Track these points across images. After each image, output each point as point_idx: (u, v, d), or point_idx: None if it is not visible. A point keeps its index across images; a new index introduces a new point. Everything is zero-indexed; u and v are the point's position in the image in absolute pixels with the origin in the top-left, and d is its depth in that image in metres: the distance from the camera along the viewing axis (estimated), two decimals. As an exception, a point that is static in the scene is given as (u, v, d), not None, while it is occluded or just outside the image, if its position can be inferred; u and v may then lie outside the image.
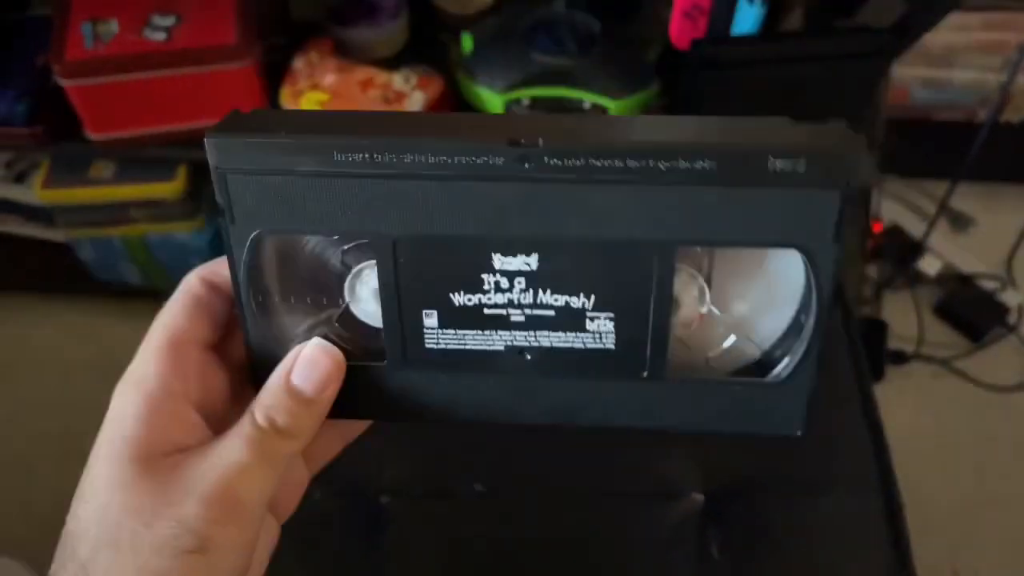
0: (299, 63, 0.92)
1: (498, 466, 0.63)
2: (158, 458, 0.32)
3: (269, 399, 0.33)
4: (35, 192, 1.01)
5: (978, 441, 1.13)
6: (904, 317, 1.21)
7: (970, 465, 1.11)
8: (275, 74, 0.92)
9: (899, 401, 1.16)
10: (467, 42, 0.95)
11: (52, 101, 0.90)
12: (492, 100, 0.93)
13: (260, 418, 0.32)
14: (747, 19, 0.90)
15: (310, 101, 0.90)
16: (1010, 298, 1.22)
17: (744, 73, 0.86)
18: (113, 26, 0.86)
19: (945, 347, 1.19)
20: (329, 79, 0.91)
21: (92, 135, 0.91)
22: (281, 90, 0.91)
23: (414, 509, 0.63)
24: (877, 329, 1.18)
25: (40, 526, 0.71)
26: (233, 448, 0.32)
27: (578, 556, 0.61)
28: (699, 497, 0.63)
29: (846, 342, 0.71)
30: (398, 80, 0.90)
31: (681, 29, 0.95)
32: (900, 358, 1.17)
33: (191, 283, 0.35)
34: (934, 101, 1.39)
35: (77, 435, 1.13)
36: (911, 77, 1.36)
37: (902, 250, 1.25)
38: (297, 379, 0.33)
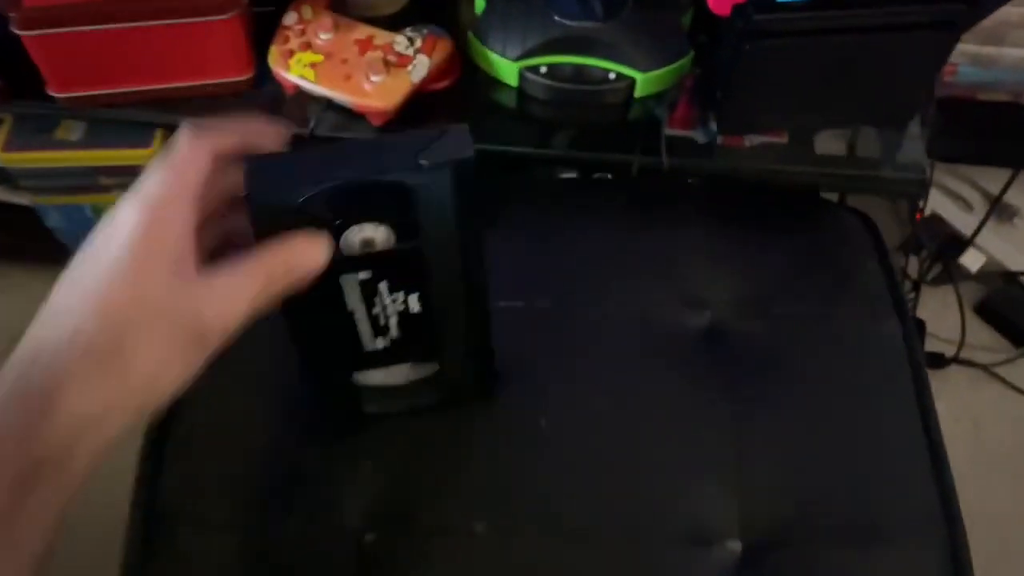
0: (290, 18, 0.82)
1: (503, 499, 0.54)
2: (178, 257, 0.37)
3: (278, 264, 0.41)
4: (-3, 154, 0.91)
5: (1018, 451, 1.04)
6: (943, 316, 1.12)
7: (1009, 478, 1.03)
8: (264, 30, 0.82)
9: (936, 406, 1.07)
10: (479, 3, 0.85)
11: (12, 55, 0.80)
12: (505, 67, 0.83)
13: (264, 271, 0.40)
14: (797, -17, 0.80)
15: (300, 63, 0.79)
16: (1058, 298, 1.13)
17: (793, 44, 0.76)
18: (78, -32, 0.75)
19: (986, 351, 1.11)
20: (323, 38, 0.80)
21: (55, 94, 0.81)
22: (271, 48, 0.81)
23: (403, 548, 0.54)
24: (915, 328, 1.09)
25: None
26: (250, 280, 0.39)
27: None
28: (735, 546, 0.54)
29: (907, 365, 0.62)
30: (401, 42, 0.80)
31: (721, -7, 0.85)
32: (938, 361, 1.09)
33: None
34: (980, 80, 1.28)
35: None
36: (959, 53, 1.25)
37: (942, 243, 1.15)
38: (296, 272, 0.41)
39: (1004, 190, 0.99)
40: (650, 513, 0.54)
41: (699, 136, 0.82)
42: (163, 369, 0.36)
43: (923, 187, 0.83)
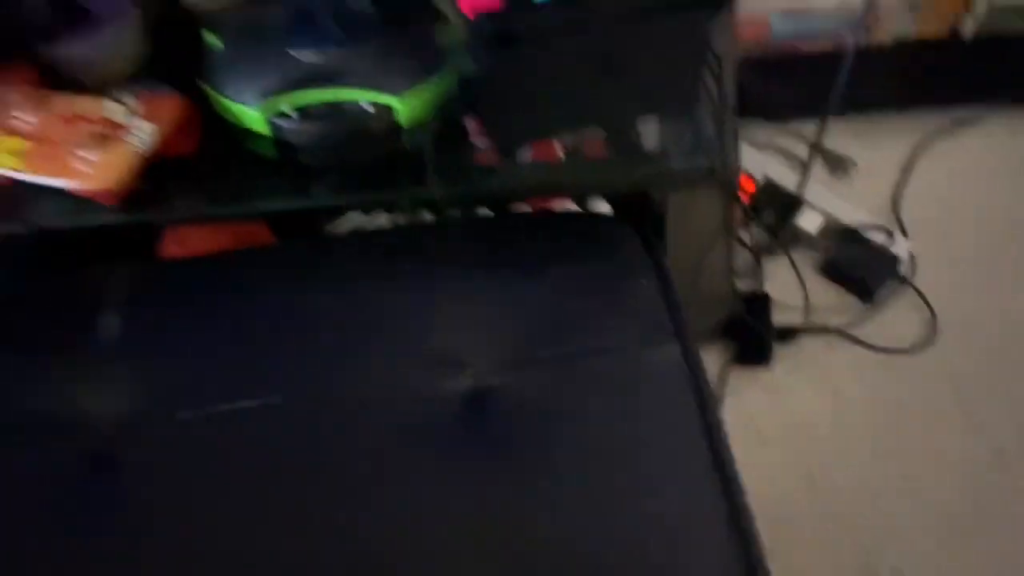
0: (-16, 103, 0.72)
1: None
2: None
3: None
4: None
5: (881, 413, 1.01)
6: (787, 285, 1.08)
7: (875, 442, 0.99)
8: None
9: (792, 382, 1.03)
10: (212, 42, 0.76)
11: None
12: (250, 115, 0.74)
13: None
14: (545, -21, 0.73)
15: (5, 152, 0.70)
16: (899, 247, 1.09)
17: (543, 46, 0.69)
18: None
19: (835, 312, 1.07)
20: (27, 120, 0.71)
21: None
22: (-32, 140, 0.71)
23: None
24: (759, 304, 1.04)
25: None
26: None
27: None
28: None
29: (691, 391, 0.56)
30: (112, 108, 0.71)
31: (472, 0, 0.78)
32: (788, 334, 1.05)
33: None
34: (796, 32, 1.24)
35: None
36: (768, 9, 1.21)
37: (780, 208, 1.11)
38: None
39: (818, 137, 0.94)
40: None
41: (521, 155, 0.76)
42: None
43: (714, 172, 0.77)
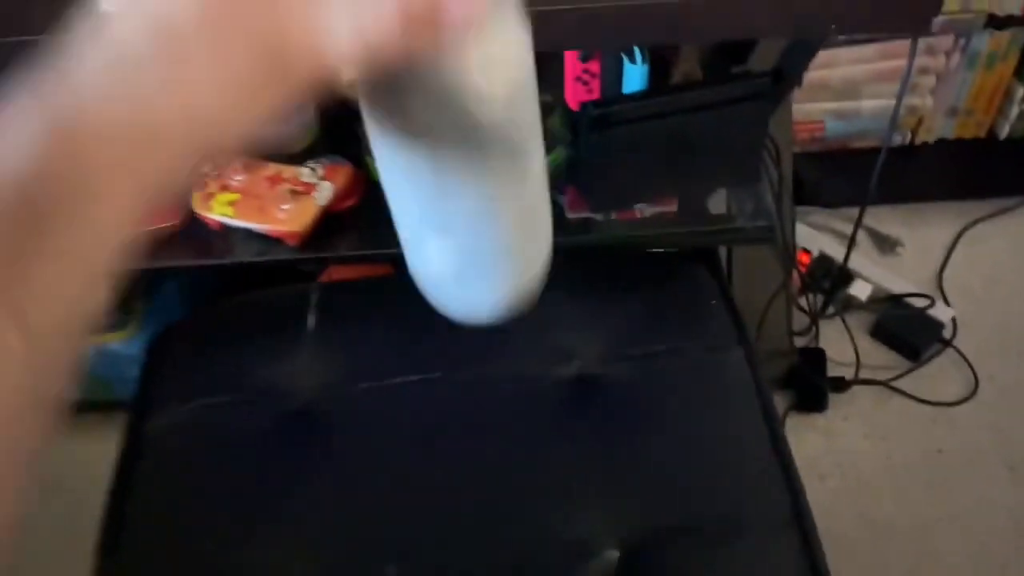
0: (207, 167, 0.94)
1: (407, 544, 0.63)
2: None
3: None
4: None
5: (927, 458, 1.13)
6: (841, 344, 1.23)
7: (921, 483, 1.11)
8: (186, 179, 0.95)
9: (845, 427, 1.17)
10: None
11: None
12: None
13: None
14: (635, 78, 0.94)
15: (220, 203, 0.92)
16: (943, 313, 1.24)
17: (635, 128, 0.89)
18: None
19: (884, 369, 1.21)
20: (237, 180, 0.93)
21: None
22: (192, 194, 0.93)
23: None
24: (815, 358, 1.19)
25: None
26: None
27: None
28: (613, 555, 0.63)
29: (752, 383, 0.72)
30: (305, 173, 0.93)
31: (575, 94, 0.99)
32: (841, 385, 1.19)
33: None
34: (847, 132, 1.43)
35: (26, 552, 1.12)
36: (822, 111, 1.40)
37: (832, 278, 1.27)
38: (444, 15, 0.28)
39: (860, 217, 1.10)
40: (535, 537, 0.64)
41: (597, 217, 0.95)
42: (222, 90, 0.26)
43: (772, 232, 0.95)
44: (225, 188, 0.93)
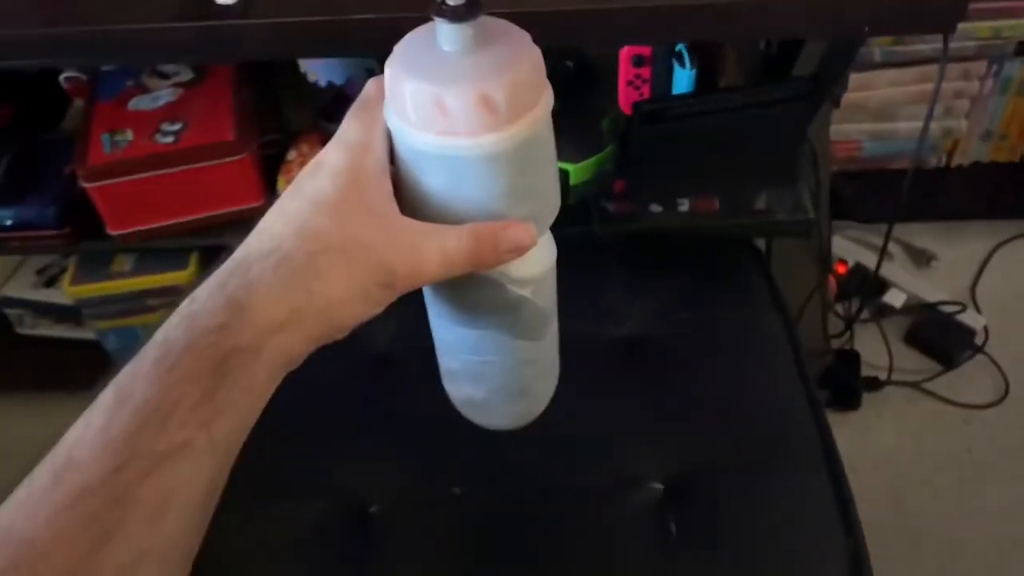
0: (292, 154, 1.04)
1: (471, 468, 0.70)
2: (368, 197, 0.38)
3: (487, 236, 0.39)
4: (64, 291, 1.12)
5: (957, 456, 1.18)
6: (876, 348, 1.28)
7: (953, 480, 1.15)
8: (272, 165, 1.05)
9: (878, 424, 1.22)
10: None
11: (78, 205, 1.02)
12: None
13: (474, 235, 0.39)
14: (684, 81, 1.02)
15: (303, 185, 1.01)
16: (975, 321, 1.29)
17: (682, 124, 0.97)
18: (128, 135, 0.98)
19: (917, 372, 1.26)
20: (318, 165, 1.02)
21: (112, 232, 1.02)
22: (278, 178, 1.03)
23: (402, 515, 0.70)
24: (849, 359, 1.25)
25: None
26: (456, 238, 0.38)
27: (547, 548, 0.68)
28: (658, 486, 0.70)
29: (788, 343, 0.79)
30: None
31: (627, 97, 1.08)
32: (874, 384, 1.24)
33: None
34: (884, 152, 1.49)
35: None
36: (860, 132, 1.47)
37: (867, 287, 1.33)
38: (503, 246, 0.39)
39: (889, 229, 1.16)
40: (588, 469, 0.70)
41: (654, 207, 1.03)
42: (346, 298, 0.37)
43: (810, 225, 1.02)
44: (307, 173, 1.02)
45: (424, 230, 0.39)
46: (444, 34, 0.37)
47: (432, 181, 0.39)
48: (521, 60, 0.37)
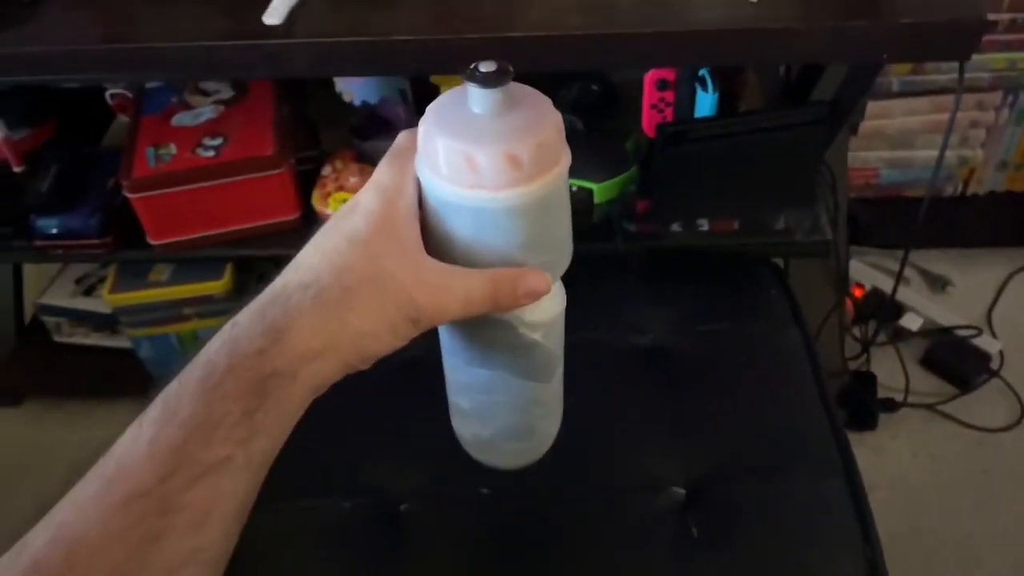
0: (327, 170, 1.08)
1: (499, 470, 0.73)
2: (400, 236, 0.41)
3: (506, 281, 0.42)
4: (103, 299, 1.16)
5: (973, 477, 1.19)
6: (892, 370, 1.30)
7: (967, 499, 1.17)
8: (307, 181, 1.09)
9: (894, 446, 1.23)
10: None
11: (120, 216, 1.07)
12: (493, 190, 1.08)
13: (494, 280, 0.42)
14: (706, 105, 1.06)
15: (336, 201, 1.05)
16: (991, 346, 1.30)
17: (704, 146, 1.00)
18: (172, 149, 1.03)
19: (933, 395, 1.28)
20: (352, 181, 1.06)
21: (153, 241, 1.06)
22: (313, 193, 1.07)
23: (430, 513, 0.72)
24: (866, 380, 1.27)
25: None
26: (479, 280, 0.42)
27: (571, 548, 0.70)
28: (679, 491, 0.72)
29: (806, 354, 0.81)
30: (410, 177, 1.06)
31: (651, 120, 1.11)
32: (891, 406, 1.25)
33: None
34: (901, 180, 1.52)
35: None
36: (878, 159, 1.50)
37: (884, 310, 1.35)
38: (520, 291, 0.43)
39: (905, 255, 1.18)
40: (612, 472, 0.73)
41: (676, 226, 1.06)
42: (376, 330, 0.40)
43: (828, 246, 1.04)
44: (341, 188, 1.06)
45: (449, 271, 0.42)
46: (475, 97, 0.40)
47: (458, 228, 0.42)
48: (545, 123, 0.41)
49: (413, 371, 0.82)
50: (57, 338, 1.35)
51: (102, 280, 1.21)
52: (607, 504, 0.71)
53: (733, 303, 0.87)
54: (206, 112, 1.07)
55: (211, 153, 1.02)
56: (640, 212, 1.08)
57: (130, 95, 1.13)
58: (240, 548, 0.73)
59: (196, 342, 1.20)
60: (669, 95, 1.09)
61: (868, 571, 0.69)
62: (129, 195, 1.01)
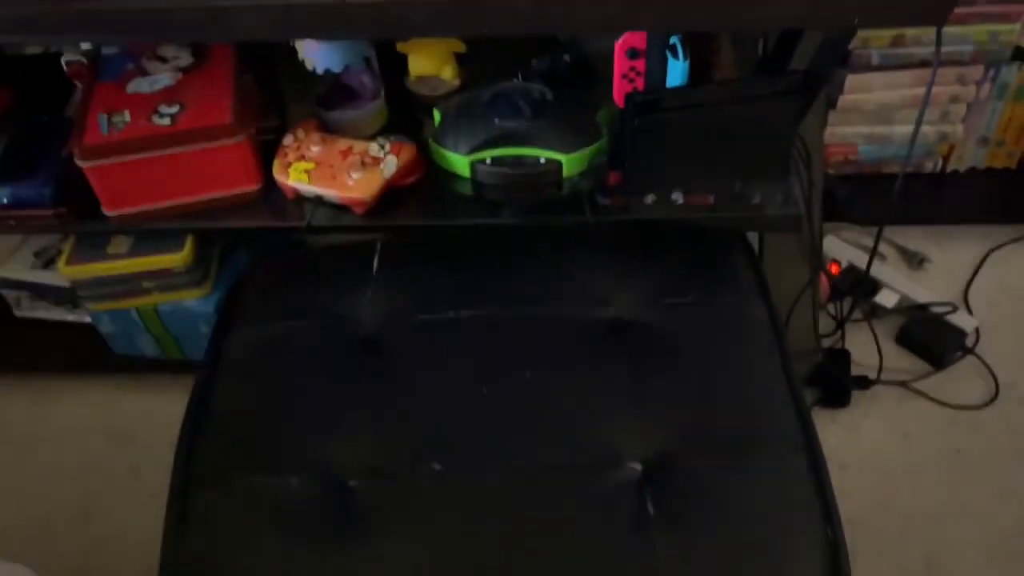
0: (288, 139, 1.05)
1: (452, 445, 0.71)
2: None
3: None
4: (59, 271, 1.13)
5: (946, 456, 1.18)
6: (866, 347, 1.28)
7: (939, 478, 1.16)
8: (270, 151, 1.06)
9: (867, 423, 1.22)
10: (436, 116, 1.09)
11: (75, 186, 1.03)
12: (458, 161, 1.05)
13: None
14: (677, 73, 1.03)
15: (297, 171, 1.02)
16: (966, 323, 1.29)
17: (675, 116, 0.98)
18: (126, 116, 0.99)
19: (907, 373, 1.26)
20: (314, 151, 1.03)
21: (108, 212, 1.03)
22: (274, 163, 1.04)
23: (380, 490, 0.70)
24: (840, 358, 1.25)
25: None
26: None
27: (525, 524, 0.68)
28: (636, 467, 0.70)
29: (772, 331, 0.79)
30: (374, 147, 1.03)
31: (622, 90, 1.09)
32: (864, 383, 1.24)
33: None
34: (880, 156, 1.50)
35: (93, 499, 1.22)
36: (855, 134, 1.48)
37: (860, 287, 1.33)
38: None
39: (879, 232, 1.15)
40: (567, 447, 0.71)
41: (648, 199, 1.03)
42: None
43: (800, 221, 1.02)
44: (302, 158, 1.03)
45: None
46: None
47: None
48: None
49: (368, 349, 0.80)
50: (17, 313, 1.32)
51: (62, 253, 1.17)
52: (561, 480, 0.70)
53: (700, 277, 0.85)
54: (163, 79, 1.04)
55: (167, 121, 0.99)
56: (611, 185, 1.06)
57: (86, 62, 1.09)
58: (189, 524, 0.71)
59: (157, 317, 1.18)
60: (640, 64, 1.06)
61: (828, 551, 0.68)
62: (80, 163, 0.98)
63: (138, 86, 1.03)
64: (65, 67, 1.12)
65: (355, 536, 0.68)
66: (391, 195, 1.04)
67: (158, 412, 1.29)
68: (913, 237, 1.45)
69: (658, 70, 1.05)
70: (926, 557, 1.09)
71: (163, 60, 1.07)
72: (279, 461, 0.73)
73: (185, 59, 1.07)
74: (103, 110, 1.00)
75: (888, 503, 1.14)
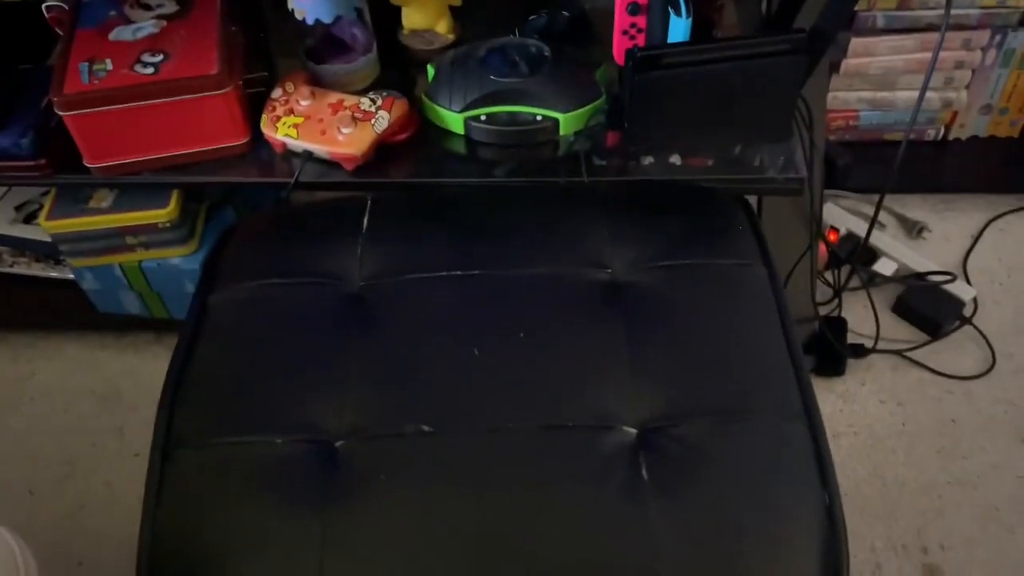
0: (277, 92, 1.02)
1: (442, 406, 0.69)
2: None
3: None
4: (40, 225, 1.10)
5: (941, 426, 1.17)
6: (863, 316, 1.27)
7: (933, 448, 1.15)
8: (258, 104, 1.02)
9: (862, 392, 1.21)
10: (430, 71, 1.05)
11: (56, 137, 1.00)
12: (452, 118, 1.02)
13: None
14: (679, 30, 1.00)
15: (285, 125, 0.99)
16: (964, 292, 1.27)
17: (676, 74, 0.95)
18: (108, 64, 0.96)
19: (904, 342, 1.25)
20: (303, 104, 1.00)
21: (90, 164, 1.00)
22: (262, 116, 1.01)
23: (366, 451, 0.69)
24: (837, 326, 1.23)
25: (41, 546, 0.78)
26: None
27: (515, 487, 0.67)
28: (631, 430, 0.68)
29: (772, 294, 0.77)
30: (365, 102, 1.00)
31: (621, 47, 1.05)
32: (860, 351, 1.23)
33: None
34: (881, 122, 1.47)
35: (77, 459, 1.20)
36: (857, 100, 1.45)
37: (858, 255, 1.31)
38: None
39: (880, 199, 1.13)
40: (560, 411, 0.69)
41: (647, 160, 1.01)
42: None
43: (801, 185, 1.00)
44: (291, 112, 1.00)
45: None
46: None
47: None
48: None
49: (354, 306, 0.78)
50: (-2, 268, 1.29)
51: (43, 207, 1.14)
52: (553, 443, 0.68)
53: (700, 239, 0.82)
54: (147, 27, 1.00)
55: (150, 70, 0.95)
56: (609, 145, 1.03)
57: (66, 7, 1.05)
58: (171, 485, 0.69)
59: (142, 274, 1.15)
60: (641, 20, 1.03)
61: (825, 518, 0.66)
62: (60, 112, 0.95)
63: (120, 34, 1.00)
64: (45, 12, 1.08)
65: (340, 498, 0.67)
66: (382, 152, 1.01)
67: (143, 371, 1.27)
68: (913, 206, 1.43)
69: (660, 27, 1.02)
70: (918, 526, 1.08)
71: (147, 7, 1.03)
72: (263, 421, 0.71)
73: (169, 6, 1.03)
74: (84, 58, 0.97)
75: (882, 473, 1.13)
